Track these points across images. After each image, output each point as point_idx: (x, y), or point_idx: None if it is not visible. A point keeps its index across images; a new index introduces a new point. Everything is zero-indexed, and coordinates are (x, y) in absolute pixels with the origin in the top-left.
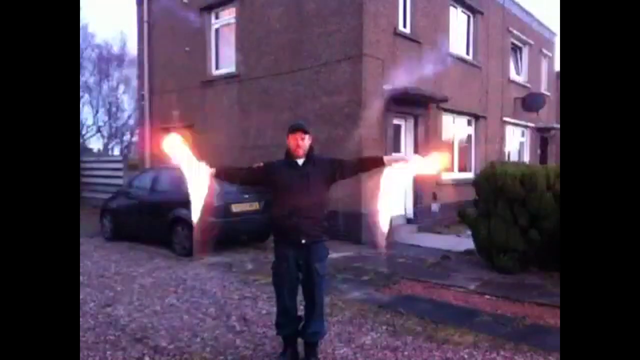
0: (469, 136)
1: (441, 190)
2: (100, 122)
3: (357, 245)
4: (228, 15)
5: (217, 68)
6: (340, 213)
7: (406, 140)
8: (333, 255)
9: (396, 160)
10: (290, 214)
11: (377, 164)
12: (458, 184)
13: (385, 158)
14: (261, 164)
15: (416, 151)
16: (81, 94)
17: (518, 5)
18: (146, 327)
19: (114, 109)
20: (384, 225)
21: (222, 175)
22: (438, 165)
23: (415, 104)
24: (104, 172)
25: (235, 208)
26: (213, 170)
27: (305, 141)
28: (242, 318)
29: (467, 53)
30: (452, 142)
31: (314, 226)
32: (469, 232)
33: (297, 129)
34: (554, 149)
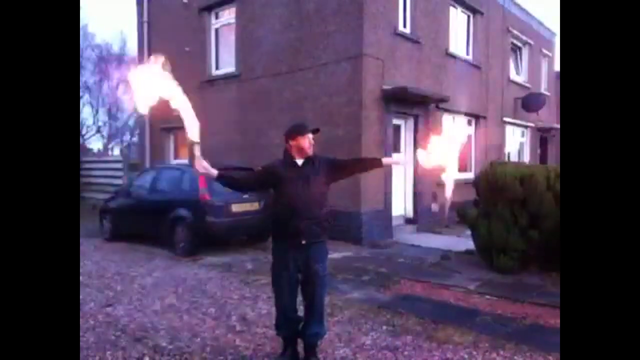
0: (469, 136)
1: (441, 190)
2: (100, 122)
3: (357, 245)
4: (228, 15)
5: (217, 68)
6: (340, 213)
7: (406, 140)
8: (333, 255)
9: (395, 163)
10: (290, 214)
11: (375, 165)
12: (458, 184)
13: (384, 160)
14: (260, 168)
15: (416, 151)
16: (81, 94)
17: (518, 5)
18: (146, 327)
19: (114, 109)
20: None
21: (225, 179)
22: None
23: (415, 104)
24: (104, 172)
25: (235, 208)
26: (216, 172)
27: (312, 141)
28: (242, 318)
29: (467, 53)
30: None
31: (314, 226)
32: (469, 232)
33: (308, 130)
34: (554, 149)
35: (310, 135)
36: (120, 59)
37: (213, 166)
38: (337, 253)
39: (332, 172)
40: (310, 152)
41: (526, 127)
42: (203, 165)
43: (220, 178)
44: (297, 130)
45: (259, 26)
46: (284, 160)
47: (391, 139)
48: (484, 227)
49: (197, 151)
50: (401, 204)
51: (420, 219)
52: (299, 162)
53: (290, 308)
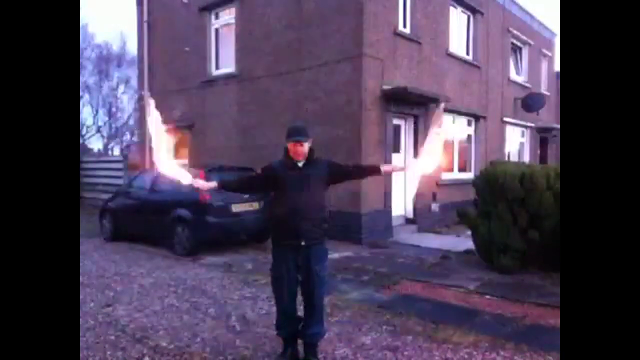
0: (469, 136)
1: (441, 190)
2: (100, 122)
3: (357, 245)
4: (228, 15)
5: (217, 68)
6: (340, 213)
7: (406, 140)
8: (333, 255)
9: (394, 169)
10: (289, 216)
11: (374, 172)
12: (458, 184)
13: (383, 167)
14: (259, 171)
15: (416, 151)
16: (81, 94)
17: (518, 5)
18: (146, 327)
19: (114, 109)
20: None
21: (225, 188)
22: (435, 160)
23: (415, 104)
24: (104, 172)
25: (235, 208)
26: (214, 183)
27: (304, 147)
28: (242, 318)
29: (467, 53)
30: (452, 142)
31: (313, 228)
32: (469, 232)
33: (295, 139)
34: (554, 149)
35: (303, 143)
36: (120, 59)
37: (212, 165)
38: (337, 253)
39: (331, 175)
40: (299, 157)
41: (526, 127)
42: (201, 185)
43: (221, 188)
44: (286, 134)
45: (259, 26)
46: (285, 160)
47: (391, 139)
48: (484, 227)
49: (192, 183)
50: (401, 204)
51: (420, 219)
52: (300, 163)
53: (290, 308)
